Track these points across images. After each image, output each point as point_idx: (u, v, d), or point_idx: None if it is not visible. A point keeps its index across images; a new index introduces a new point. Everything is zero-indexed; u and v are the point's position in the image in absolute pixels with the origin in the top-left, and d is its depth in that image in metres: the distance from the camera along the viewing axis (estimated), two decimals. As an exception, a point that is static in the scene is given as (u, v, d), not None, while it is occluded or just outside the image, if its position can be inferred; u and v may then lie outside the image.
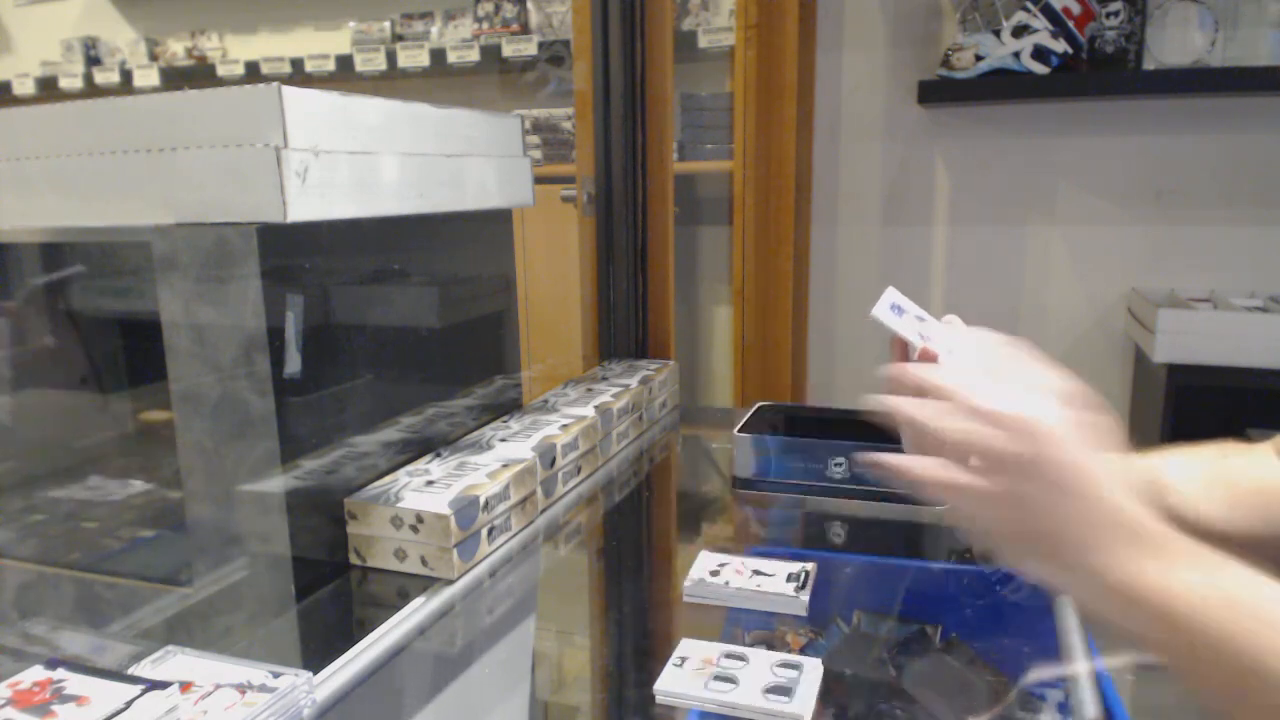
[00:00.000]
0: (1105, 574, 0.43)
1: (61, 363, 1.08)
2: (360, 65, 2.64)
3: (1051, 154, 1.99)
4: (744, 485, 1.13)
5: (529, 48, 2.48)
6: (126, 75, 2.93)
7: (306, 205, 0.78)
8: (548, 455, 0.99)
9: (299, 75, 2.69)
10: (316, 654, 0.71)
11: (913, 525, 1.02)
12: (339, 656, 0.71)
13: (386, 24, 2.68)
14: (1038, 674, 0.67)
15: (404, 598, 0.80)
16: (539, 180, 1.15)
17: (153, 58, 3.00)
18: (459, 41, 2.56)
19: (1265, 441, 0.59)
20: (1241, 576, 0.41)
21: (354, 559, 0.86)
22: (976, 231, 2.07)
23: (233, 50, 2.94)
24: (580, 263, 1.58)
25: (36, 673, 0.59)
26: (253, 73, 2.76)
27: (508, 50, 2.49)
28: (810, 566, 0.84)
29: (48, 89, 3.01)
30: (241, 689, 0.60)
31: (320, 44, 2.80)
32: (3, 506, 1.02)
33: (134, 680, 0.58)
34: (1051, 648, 0.71)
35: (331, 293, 0.88)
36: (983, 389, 0.50)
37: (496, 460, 0.95)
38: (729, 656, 0.68)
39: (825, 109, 2.12)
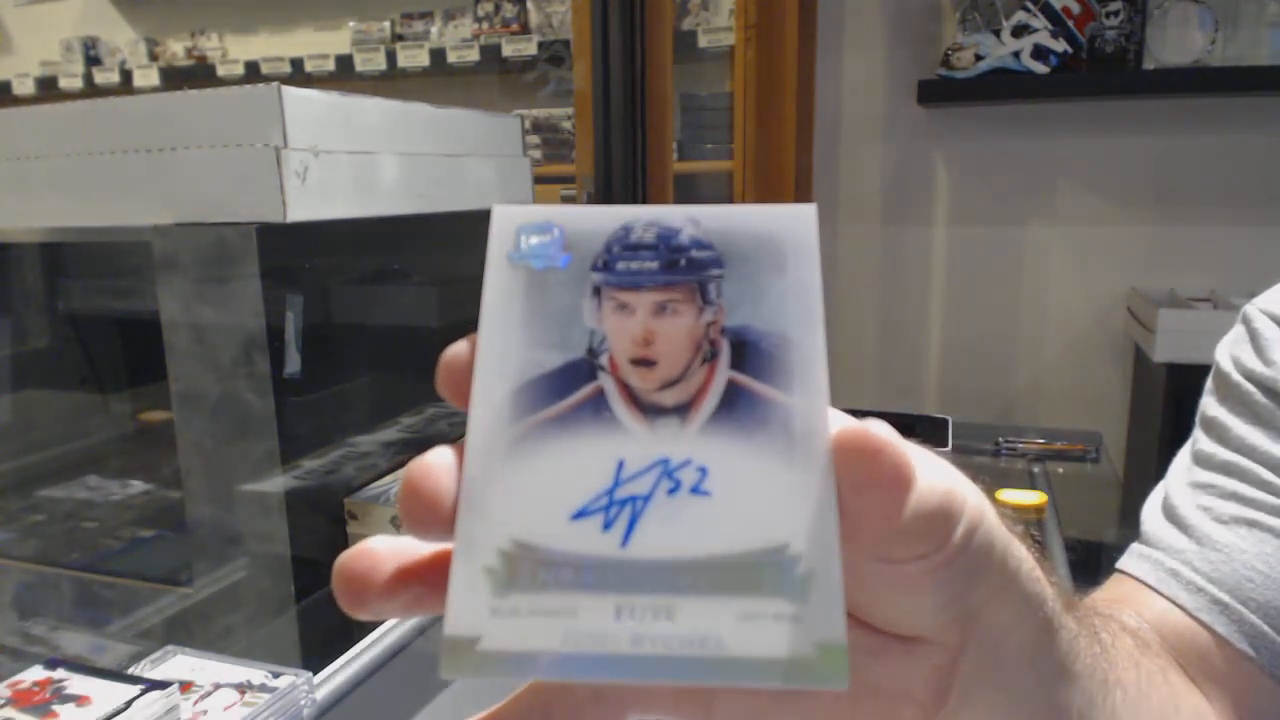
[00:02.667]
0: None
1: (61, 363, 1.08)
2: (360, 65, 2.63)
3: (1051, 154, 1.99)
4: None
5: (529, 48, 2.47)
6: (126, 75, 2.93)
7: (306, 205, 0.78)
8: (548, 455, 0.99)
9: (299, 75, 2.69)
10: (316, 654, 0.71)
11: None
12: (339, 656, 0.71)
13: (386, 24, 2.68)
14: None
15: (404, 598, 0.80)
16: (539, 180, 1.15)
17: (153, 58, 2.99)
18: (459, 41, 2.56)
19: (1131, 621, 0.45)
20: None
21: (354, 559, 0.86)
22: (976, 231, 2.07)
23: (233, 50, 2.94)
24: (580, 263, 1.57)
25: (36, 673, 0.59)
26: (253, 73, 2.76)
27: (508, 50, 2.48)
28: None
29: (48, 89, 3.01)
30: (241, 689, 0.60)
31: (320, 44, 2.79)
32: (3, 506, 1.02)
33: (134, 680, 0.58)
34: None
35: (331, 293, 0.88)
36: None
37: (496, 460, 0.95)
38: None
39: (825, 109, 2.12)
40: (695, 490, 0.20)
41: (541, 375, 0.21)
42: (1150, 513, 0.51)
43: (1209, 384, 0.53)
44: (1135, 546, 0.50)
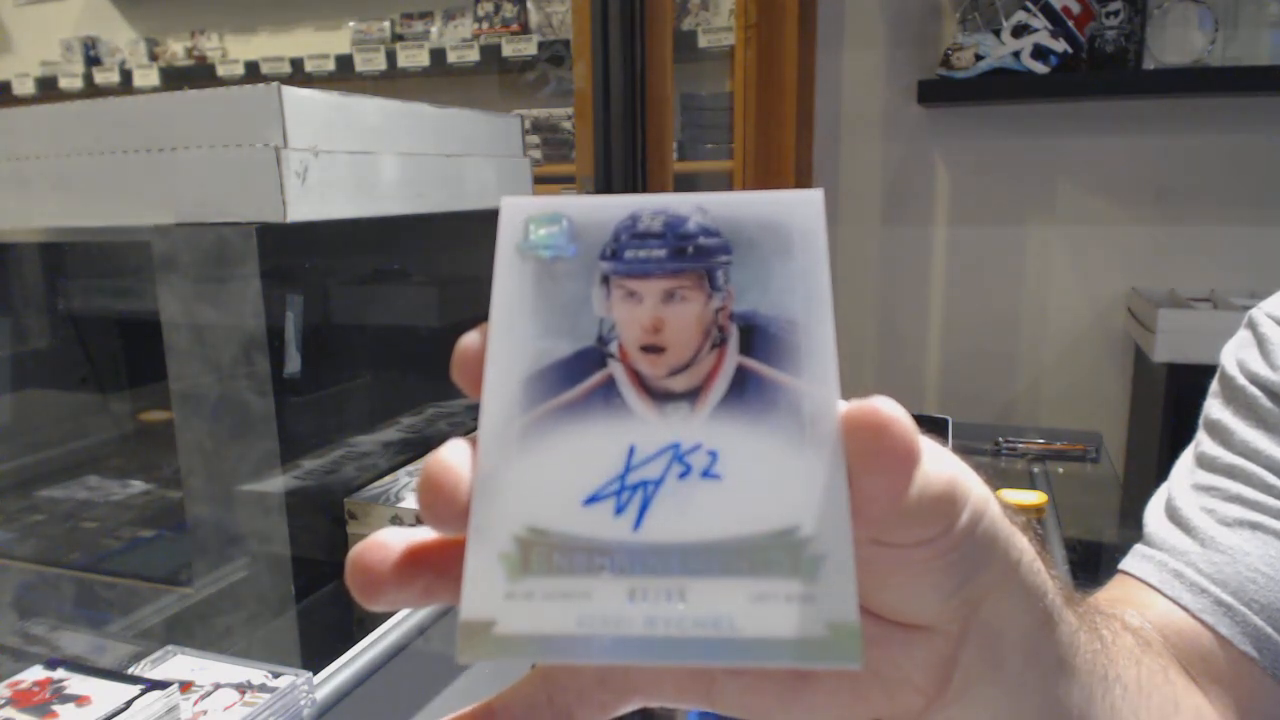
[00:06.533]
0: None
1: (61, 363, 1.08)
2: (360, 65, 2.63)
3: (1051, 154, 1.99)
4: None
5: (529, 48, 2.47)
6: (126, 75, 2.93)
7: (306, 205, 0.78)
8: (548, 455, 0.99)
9: (299, 75, 2.69)
10: (316, 654, 0.71)
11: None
12: (339, 656, 0.71)
13: (386, 24, 2.68)
14: None
15: (404, 598, 0.80)
16: (539, 180, 1.15)
17: (153, 58, 2.99)
18: (459, 41, 2.56)
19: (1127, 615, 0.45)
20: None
21: (354, 559, 0.86)
22: (976, 231, 2.07)
23: (233, 50, 2.94)
24: (580, 263, 1.57)
25: (36, 673, 0.59)
26: (253, 73, 2.76)
27: (508, 50, 2.48)
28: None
29: (48, 89, 3.01)
30: (241, 689, 0.60)
31: (320, 44, 2.79)
32: (3, 506, 1.02)
33: (134, 680, 0.58)
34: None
35: (331, 293, 0.88)
36: None
37: (496, 460, 0.95)
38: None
39: (825, 109, 2.12)
40: (706, 474, 0.20)
41: (552, 364, 0.21)
42: (1153, 514, 0.52)
43: (1213, 387, 0.53)
44: (1138, 548, 0.50)
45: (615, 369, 0.21)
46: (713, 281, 0.22)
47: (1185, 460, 0.53)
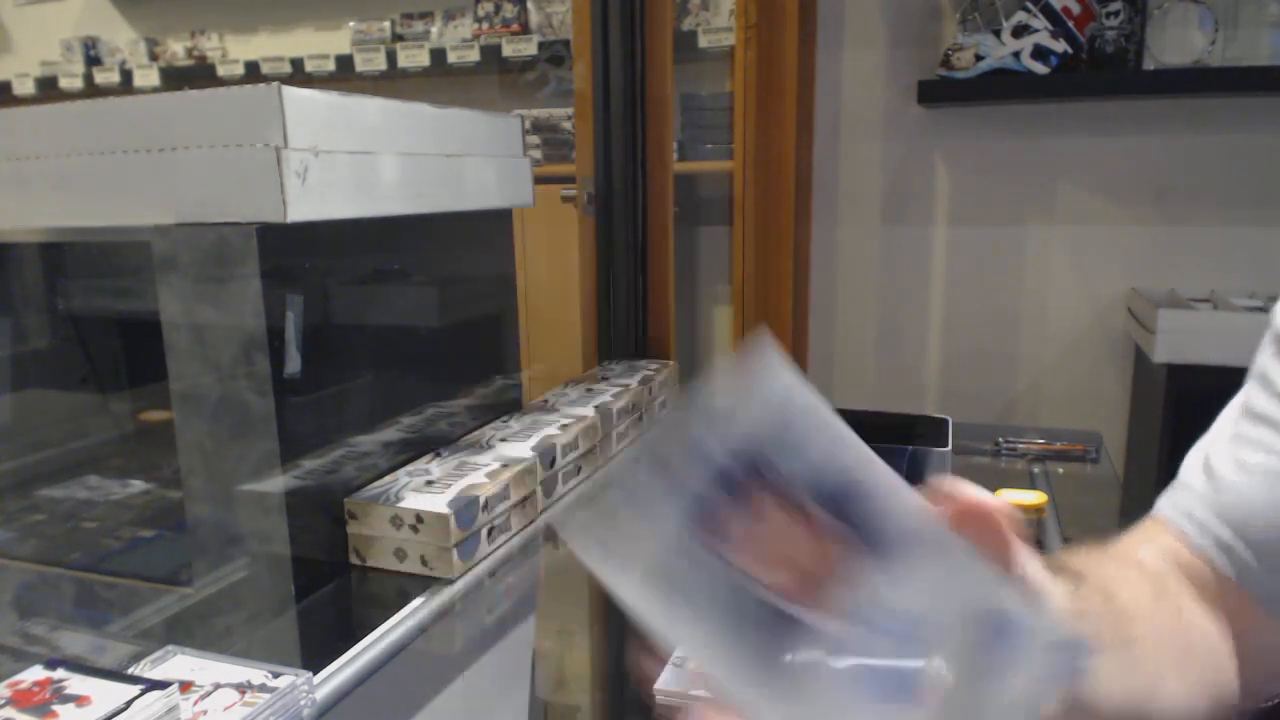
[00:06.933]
0: None
1: (61, 363, 1.08)
2: (360, 65, 2.63)
3: (1051, 154, 1.99)
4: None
5: (529, 48, 2.47)
6: (126, 75, 2.93)
7: (306, 205, 0.78)
8: (548, 455, 0.99)
9: (299, 75, 2.69)
10: (316, 654, 0.71)
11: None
12: (339, 656, 0.71)
13: (386, 24, 2.68)
14: None
15: (404, 597, 0.80)
16: (539, 180, 1.15)
17: (153, 58, 2.99)
18: (459, 41, 2.56)
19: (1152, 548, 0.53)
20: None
21: (354, 559, 0.86)
22: (976, 231, 2.07)
23: (233, 50, 2.94)
24: (580, 263, 1.58)
25: (36, 673, 0.59)
26: (253, 73, 2.76)
27: (508, 50, 2.48)
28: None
29: (48, 89, 3.01)
30: (241, 689, 0.60)
31: (320, 44, 2.79)
32: (3, 506, 1.02)
33: (134, 680, 0.58)
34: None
35: (331, 293, 0.88)
36: None
37: (496, 460, 0.95)
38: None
39: (825, 109, 2.12)
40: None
41: (734, 627, 0.24)
42: (1189, 460, 0.56)
43: (1265, 342, 0.56)
44: (1168, 489, 0.56)
45: (774, 600, 0.23)
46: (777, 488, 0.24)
47: (1231, 410, 0.56)
